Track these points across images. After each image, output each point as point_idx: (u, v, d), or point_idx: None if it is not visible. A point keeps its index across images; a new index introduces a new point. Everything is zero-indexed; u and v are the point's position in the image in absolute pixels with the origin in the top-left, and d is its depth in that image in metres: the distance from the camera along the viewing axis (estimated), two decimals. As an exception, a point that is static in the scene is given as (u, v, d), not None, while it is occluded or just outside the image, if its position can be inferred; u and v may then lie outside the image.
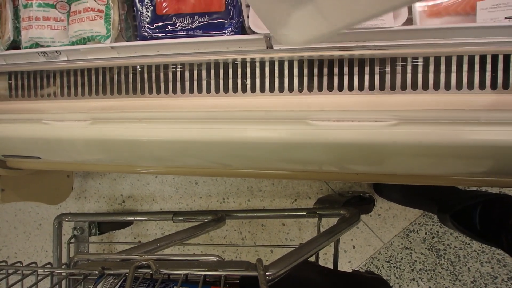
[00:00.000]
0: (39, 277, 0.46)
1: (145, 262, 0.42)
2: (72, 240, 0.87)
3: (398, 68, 0.45)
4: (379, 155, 0.48)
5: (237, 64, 0.49)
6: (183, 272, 0.41)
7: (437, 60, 0.44)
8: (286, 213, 0.80)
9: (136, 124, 0.53)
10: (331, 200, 0.99)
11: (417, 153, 0.46)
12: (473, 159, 0.48)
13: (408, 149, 0.45)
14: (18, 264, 0.48)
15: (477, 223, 0.70)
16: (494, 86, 0.43)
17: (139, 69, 0.53)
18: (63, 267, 0.56)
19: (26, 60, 0.56)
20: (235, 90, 0.49)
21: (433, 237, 0.97)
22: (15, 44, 0.57)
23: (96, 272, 0.43)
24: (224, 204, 1.09)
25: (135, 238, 1.16)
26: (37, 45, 0.55)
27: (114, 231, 1.14)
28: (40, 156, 0.66)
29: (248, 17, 0.45)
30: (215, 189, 1.09)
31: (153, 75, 0.52)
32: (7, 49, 0.56)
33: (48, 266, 0.48)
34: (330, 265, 0.69)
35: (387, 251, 1.00)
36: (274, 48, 0.46)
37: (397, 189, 0.93)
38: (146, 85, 0.53)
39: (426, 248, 0.98)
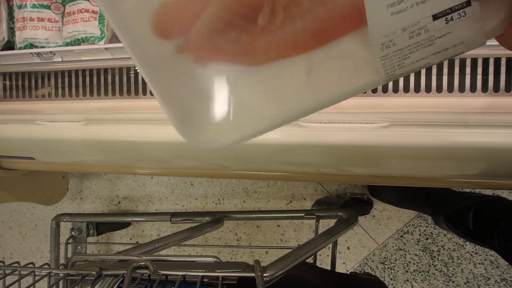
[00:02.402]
0: (37, 278, 0.46)
1: (143, 263, 0.42)
2: (70, 241, 0.87)
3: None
4: (370, 157, 0.49)
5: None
6: (180, 273, 0.42)
7: (428, 63, 0.44)
8: (284, 215, 0.80)
9: (130, 125, 0.53)
10: (329, 201, 0.99)
11: (408, 155, 0.47)
12: (464, 161, 0.48)
13: (399, 151, 0.46)
14: (16, 265, 0.48)
15: (471, 224, 0.71)
16: (484, 89, 0.43)
17: (134, 70, 0.53)
18: (60, 267, 0.56)
19: (21, 61, 0.56)
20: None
21: (427, 239, 0.98)
22: (9, 45, 0.57)
23: (94, 272, 0.43)
24: (220, 205, 1.09)
25: (130, 239, 1.16)
26: (31, 46, 0.55)
27: (112, 232, 1.13)
28: (34, 156, 0.66)
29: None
30: (210, 190, 1.10)
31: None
32: (1, 50, 0.56)
33: (46, 266, 0.48)
34: (325, 266, 0.70)
35: (382, 252, 1.00)
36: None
37: (391, 191, 0.94)
38: (140, 86, 0.53)
39: (420, 249, 0.98)
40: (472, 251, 0.95)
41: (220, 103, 0.18)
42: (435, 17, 0.16)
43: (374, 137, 0.45)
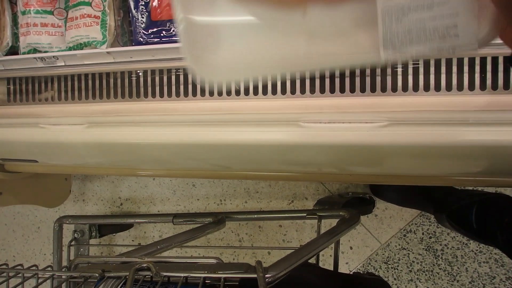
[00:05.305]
0: (40, 280, 0.47)
1: (145, 265, 0.43)
2: (73, 243, 0.87)
3: (389, 70, 0.45)
4: (371, 156, 0.49)
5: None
6: (182, 275, 0.42)
7: (426, 62, 0.44)
8: (286, 215, 0.80)
9: (132, 127, 0.54)
10: (331, 201, 1.00)
11: (408, 154, 0.47)
12: (465, 159, 0.48)
13: (399, 150, 0.46)
14: (19, 267, 0.48)
15: (474, 222, 0.71)
16: (483, 87, 0.43)
17: (135, 74, 0.54)
18: (63, 270, 0.56)
19: (24, 66, 0.57)
20: (229, 93, 0.50)
21: (430, 238, 0.97)
22: (13, 50, 0.58)
23: (97, 274, 0.43)
24: (222, 206, 1.09)
25: (133, 240, 1.17)
26: (35, 50, 0.56)
27: (114, 234, 1.14)
28: (37, 159, 0.66)
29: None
30: (212, 191, 1.10)
31: (149, 79, 0.53)
32: (5, 55, 0.57)
33: (49, 269, 0.49)
34: (328, 267, 0.70)
35: (385, 252, 1.00)
36: (267, 51, 0.47)
37: (393, 190, 0.93)
38: (142, 89, 0.54)
39: (423, 248, 0.98)
40: (476, 250, 0.95)
41: (231, 42, 0.20)
42: None
43: (374, 136, 0.45)
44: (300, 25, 0.19)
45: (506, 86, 0.43)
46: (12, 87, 0.60)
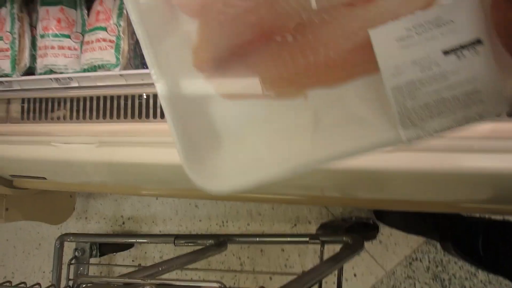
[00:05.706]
0: (42, 299, 0.46)
1: (148, 287, 0.42)
2: (73, 261, 0.86)
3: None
4: (374, 181, 0.49)
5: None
6: (186, 298, 0.41)
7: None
8: (288, 239, 0.79)
9: (142, 148, 0.55)
10: (334, 225, 0.98)
11: (412, 180, 0.47)
12: (470, 186, 0.48)
13: (403, 176, 0.46)
14: (22, 285, 0.48)
15: (480, 249, 0.69)
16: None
17: (146, 95, 0.56)
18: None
19: (40, 86, 0.59)
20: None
21: (437, 266, 0.94)
22: (29, 71, 0.60)
23: (100, 295, 0.43)
24: (224, 228, 1.08)
25: (133, 260, 1.15)
26: (51, 71, 0.58)
27: (114, 253, 1.12)
28: (46, 176, 0.67)
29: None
30: (214, 212, 1.09)
31: (159, 100, 0.55)
32: (22, 75, 0.59)
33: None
34: (330, 294, 0.68)
35: (390, 280, 0.97)
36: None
37: (398, 216, 0.92)
38: (151, 110, 0.55)
39: (430, 278, 0.95)
40: (485, 280, 0.91)
41: (231, 145, 0.18)
42: (446, 52, 0.16)
43: (377, 162, 0.45)
44: (303, 111, 0.17)
45: (509, 113, 0.43)
46: (26, 106, 0.62)
